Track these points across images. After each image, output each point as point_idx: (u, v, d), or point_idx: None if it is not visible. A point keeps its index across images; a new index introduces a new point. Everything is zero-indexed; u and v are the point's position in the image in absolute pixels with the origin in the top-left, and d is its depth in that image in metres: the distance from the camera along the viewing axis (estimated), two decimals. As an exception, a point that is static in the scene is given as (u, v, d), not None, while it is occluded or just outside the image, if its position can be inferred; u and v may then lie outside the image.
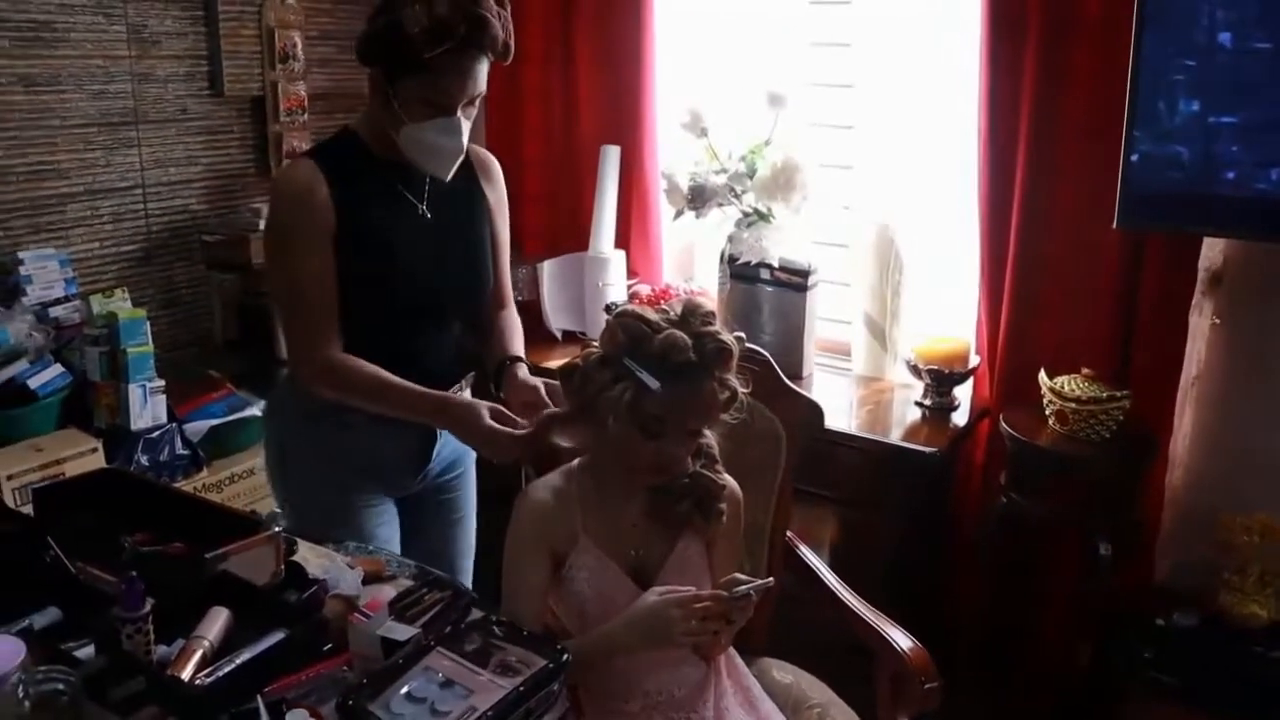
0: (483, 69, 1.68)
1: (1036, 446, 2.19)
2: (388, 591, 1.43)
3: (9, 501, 2.11)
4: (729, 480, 1.65)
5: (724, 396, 1.51)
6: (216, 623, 1.18)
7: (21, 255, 2.51)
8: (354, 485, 1.85)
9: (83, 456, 2.32)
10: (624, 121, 2.89)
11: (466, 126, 1.70)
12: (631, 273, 2.99)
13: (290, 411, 1.89)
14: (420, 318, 1.81)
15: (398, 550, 1.86)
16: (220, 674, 1.11)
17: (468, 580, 2.04)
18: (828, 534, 2.44)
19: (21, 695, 0.96)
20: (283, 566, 1.37)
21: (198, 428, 2.57)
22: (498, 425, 1.66)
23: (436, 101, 1.66)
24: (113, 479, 1.59)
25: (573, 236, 3.01)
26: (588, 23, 2.88)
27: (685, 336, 1.45)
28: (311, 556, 1.63)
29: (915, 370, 2.45)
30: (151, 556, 1.34)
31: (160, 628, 1.23)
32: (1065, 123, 2.22)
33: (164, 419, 2.52)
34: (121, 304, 2.54)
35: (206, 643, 1.15)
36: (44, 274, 2.53)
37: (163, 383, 2.52)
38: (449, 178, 1.76)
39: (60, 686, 0.99)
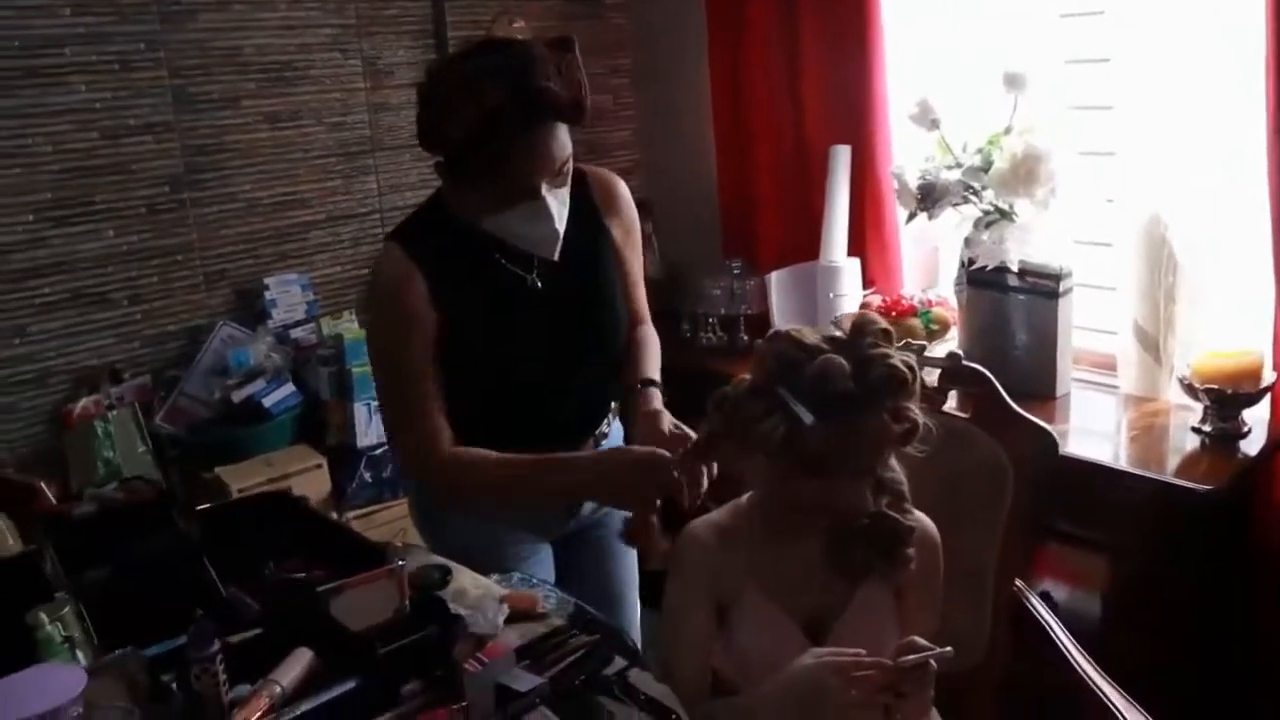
0: (559, 135, 1.49)
1: (1346, 486, 1.76)
2: (511, 637, 1.32)
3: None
4: (920, 520, 1.43)
5: (902, 429, 1.29)
6: (295, 667, 1.12)
7: (267, 280, 2.67)
8: (506, 537, 1.74)
9: (308, 472, 2.42)
10: (853, 118, 2.67)
11: (558, 201, 1.51)
12: (868, 282, 2.76)
13: None
14: (543, 387, 1.67)
15: None
16: (280, 724, 1.05)
17: (635, 615, 1.92)
18: (1098, 586, 2.10)
19: (78, 731, 0.93)
20: (407, 602, 1.29)
21: (419, 446, 2.61)
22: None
23: (513, 190, 1.48)
24: (277, 503, 1.61)
25: (807, 244, 2.82)
26: (811, 14, 2.69)
27: (843, 362, 1.25)
28: (470, 587, 1.56)
29: (1191, 390, 2.05)
30: (284, 584, 1.32)
31: (275, 660, 1.20)
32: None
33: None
34: (349, 325, 2.64)
35: (278, 687, 1.09)
36: (287, 297, 2.68)
37: (387, 401, 2.58)
38: (556, 255, 1.56)
39: (123, 726, 0.96)
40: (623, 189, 1.75)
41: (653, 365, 1.75)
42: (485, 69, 1.41)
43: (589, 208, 1.67)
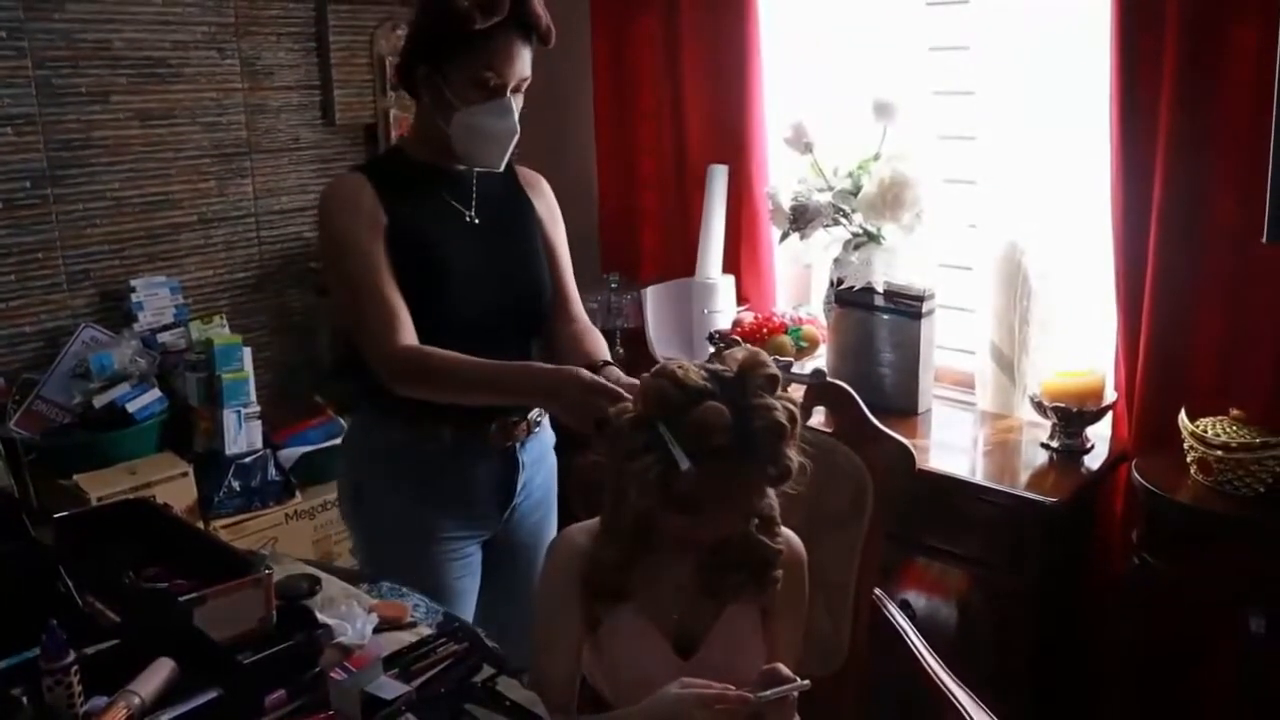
0: (523, 54, 1.69)
1: (1173, 501, 1.88)
2: (379, 644, 1.32)
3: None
4: (788, 541, 1.45)
5: (778, 473, 1.29)
6: (155, 677, 1.10)
7: (134, 282, 2.59)
8: (437, 528, 1.75)
9: (173, 480, 2.35)
10: (732, 139, 2.75)
11: (517, 109, 1.70)
12: (742, 299, 2.83)
13: (366, 448, 1.82)
14: (478, 332, 1.69)
15: (472, 604, 1.80)
16: (136, 736, 1.03)
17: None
18: (955, 595, 2.20)
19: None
20: (273, 611, 1.28)
21: (291, 454, 2.57)
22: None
23: (488, 81, 1.65)
24: (137, 511, 1.56)
25: (684, 260, 2.88)
26: (693, 37, 2.76)
27: (725, 412, 1.23)
28: (339, 596, 1.55)
29: (1040, 408, 2.18)
30: (145, 593, 1.29)
31: (134, 672, 1.17)
32: (1211, 125, 1.92)
33: (259, 444, 2.53)
34: (219, 330, 2.58)
35: (137, 698, 1.07)
36: (155, 300, 2.61)
37: (258, 408, 2.53)
38: (502, 166, 1.75)
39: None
40: (545, 182, 1.93)
41: (606, 351, 1.80)
42: None
43: (513, 182, 1.85)
